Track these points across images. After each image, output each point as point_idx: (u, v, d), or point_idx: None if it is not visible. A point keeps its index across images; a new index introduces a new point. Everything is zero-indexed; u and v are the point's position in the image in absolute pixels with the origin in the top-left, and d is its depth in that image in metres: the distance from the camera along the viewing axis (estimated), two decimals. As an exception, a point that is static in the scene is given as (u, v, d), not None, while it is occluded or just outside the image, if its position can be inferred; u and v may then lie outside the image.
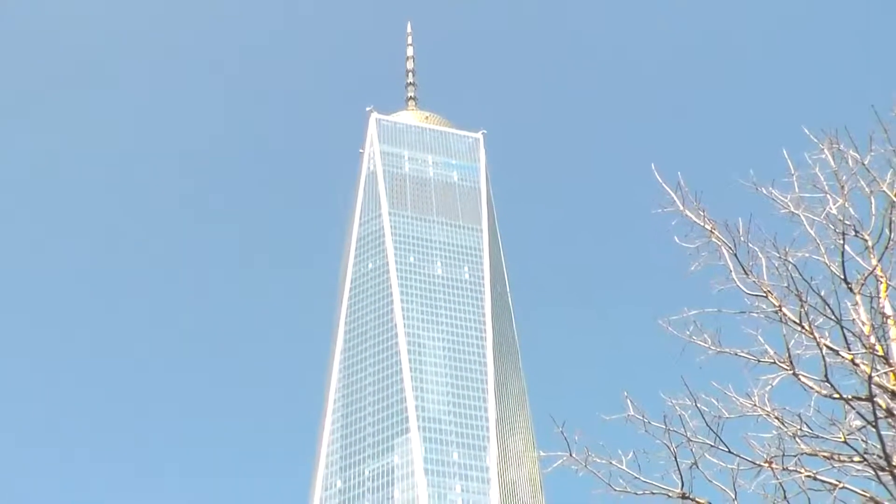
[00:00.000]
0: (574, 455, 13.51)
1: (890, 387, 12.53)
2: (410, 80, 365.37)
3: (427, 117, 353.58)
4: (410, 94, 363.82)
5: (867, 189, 14.17)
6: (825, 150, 14.47)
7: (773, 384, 13.32)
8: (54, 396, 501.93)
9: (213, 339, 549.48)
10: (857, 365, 12.79)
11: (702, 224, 14.30)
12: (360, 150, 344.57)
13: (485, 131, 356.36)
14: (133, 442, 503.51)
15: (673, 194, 14.65)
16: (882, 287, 13.55)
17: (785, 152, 14.91)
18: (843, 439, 12.61)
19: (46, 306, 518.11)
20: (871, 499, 12.44)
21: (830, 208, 14.13)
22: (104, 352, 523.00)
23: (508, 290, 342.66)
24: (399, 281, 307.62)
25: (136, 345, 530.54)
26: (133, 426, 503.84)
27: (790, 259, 13.59)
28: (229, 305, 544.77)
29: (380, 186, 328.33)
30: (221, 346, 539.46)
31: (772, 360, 13.55)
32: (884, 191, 13.79)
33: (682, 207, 14.50)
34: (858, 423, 12.71)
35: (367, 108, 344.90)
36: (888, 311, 13.33)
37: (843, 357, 12.91)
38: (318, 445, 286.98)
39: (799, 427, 13.10)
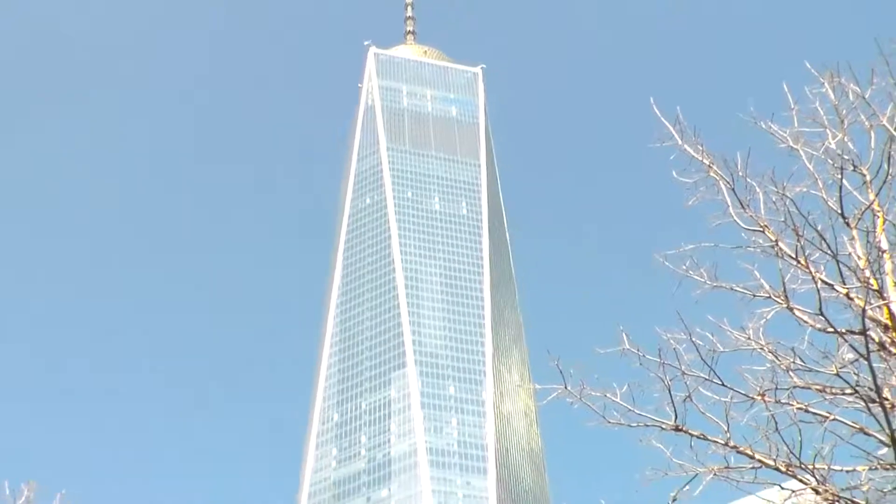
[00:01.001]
0: (569, 388, 13.58)
1: (883, 320, 12.59)
2: (409, 14, 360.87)
3: (426, 52, 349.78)
4: (409, 28, 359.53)
5: (867, 123, 14.07)
6: (826, 85, 14.33)
7: (768, 317, 13.38)
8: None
9: (211, 274, 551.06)
10: (851, 299, 12.83)
11: (700, 158, 14.23)
12: (359, 85, 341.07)
13: (483, 66, 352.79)
14: (130, 376, 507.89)
15: (671, 129, 14.55)
16: (879, 222, 13.53)
17: (785, 86, 14.77)
18: (835, 372, 12.69)
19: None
20: (861, 430, 12.58)
21: (829, 143, 14.04)
22: (100, 290, 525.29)
23: (506, 225, 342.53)
24: (397, 216, 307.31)
25: (133, 280, 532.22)
26: (130, 362, 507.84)
27: (788, 194, 13.54)
28: (228, 242, 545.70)
29: (378, 121, 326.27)
30: (219, 282, 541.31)
31: (767, 295, 13.59)
32: (884, 125, 13.70)
33: (680, 142, 14.42)
34: (851, 356, 12.79)
35: (366, 43, 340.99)
36: (884, 245, 13.33)
37: (837, 291, 12.95)
38: (316, 379, 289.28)
39: (792, 360, 13.18)
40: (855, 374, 12.65)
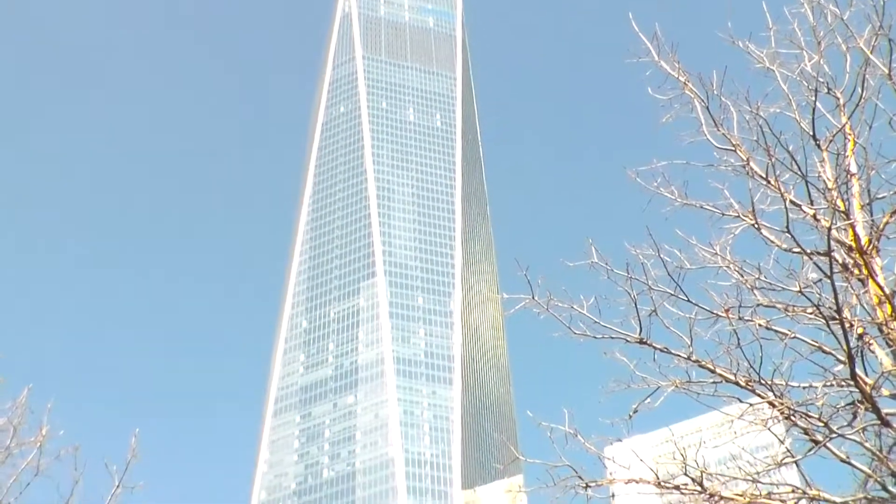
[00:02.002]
0: (536, 298, 13.72)
1: (847, 242, 12.79)
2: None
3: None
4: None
5: (843, 46, 14.08)
6: (805, 4, 14.30)
7: (735, 233, 13.54)
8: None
9: (180, 179, 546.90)
10: (818, 220, 13.01)
11: (675, 76, 14.21)
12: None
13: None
14: (114, 279, 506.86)
15: (649, 44, 14.50)
16: (850, 145, 13.65)
17: (764, 5, 14.73)
18: (798, 289, 12.90)
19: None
20: (819, 348, 12.87)
21: (805, 65, 14.05)
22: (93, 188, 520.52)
23: (480, 138, 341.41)
24: (370, 126, 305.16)
25: (125, 183, 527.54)
26: (117, 250, 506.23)
27: (761, 114, 13.58)
28: (198, 145, 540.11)
29: (354, 29, 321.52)
30: (189, 187, 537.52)
31: (736, 214, 13.73)
32: (860, 48, 13.70)
33: (656, 58, 14.37)
34: (815, 276, 13.02)
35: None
36: (853, 168, 13.48)
37: (805, 212, 13.11)
38: (285, 286, 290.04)
39: (757, 277, 13.38)
40: (817, 293, 12.88)
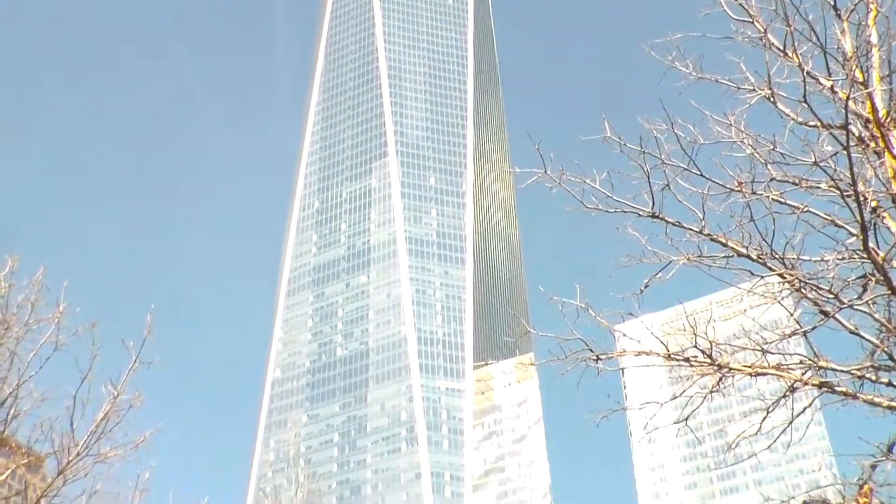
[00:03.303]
0: (549, 172, 13.66)
1: (865, 114, 12.61)
2: None
3: None
4: None
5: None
6: None
7: (751, 103, 13.33)
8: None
9: (192, 59, 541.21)
10: (835, 92, 12.78)
11: (693, -56, 13.82)
12: None
13: None
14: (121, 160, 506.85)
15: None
16: (871, 14, 13.31)
17: None
18: (813, 161, 12.78)
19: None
20: (832, 221, 12.83)
21: (827, -69, 13.59)
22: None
23: (491, 13, 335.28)
24: (381, 2, 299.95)
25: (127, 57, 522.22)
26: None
27: (780, -17, 13.20)
28: (204, 28, 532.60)
29: None
30: (199, 67, 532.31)
31: (751, 87, 13.50)
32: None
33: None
34: (830, 148, 12.89)
35: None
36: (874, 38, 13.17)
37: (822, 84, 12.88)
38: (297, 166, 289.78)
39: (772, 148, 13.25)
40: (832, 166, 12.77)
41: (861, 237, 11.43)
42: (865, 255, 11.62)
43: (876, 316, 12.10)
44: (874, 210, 12.22)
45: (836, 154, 12.74)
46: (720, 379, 13.01)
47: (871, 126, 12.45)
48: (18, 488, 18.58)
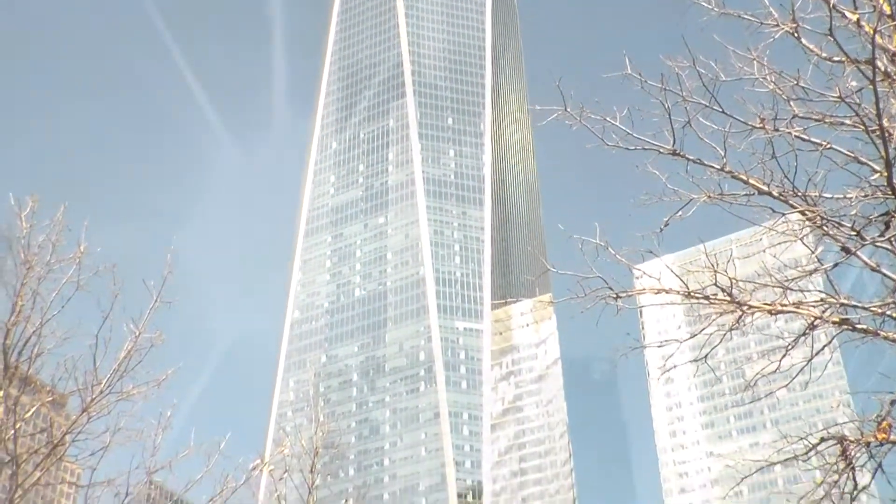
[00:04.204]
0: (569, 110, 13.53)
1: (892, 48, 12.39)
2: None
3: None
4: None
5: None
6: None
7: (775, 38, 13.10)
8: None
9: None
10: (860, 27, 12.54)
11: None
12: None
13: None
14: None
15: None
16: (899, -56, 13.01)
17: None
18: (838, 96, 12.58)
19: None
20: (855, 158, 12.68)
21: None
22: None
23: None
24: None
25: None
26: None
27: (806, -84, 12.92)
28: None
29: None
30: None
31: (775, 23, 13.26)
32: None
33: None
34: (855, 84, 12.69)
35: None
36: (902, -31, 12.89)
37: (848, 18, 12.64)
38: (315, 106, 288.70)
39: (795, 83, 13.05)
40: (857, 101, 12.57)
41: (885, 174, 11.31)
42: (889, 192, 11.50)
43: (898, 253, 12.03)
44: (899, 146, 12.06)
45: (861, 90, 12.56)
46: (740, 317, 12.98)
47: (897, 60, 12.27)
48: (43, 426, 18.84)
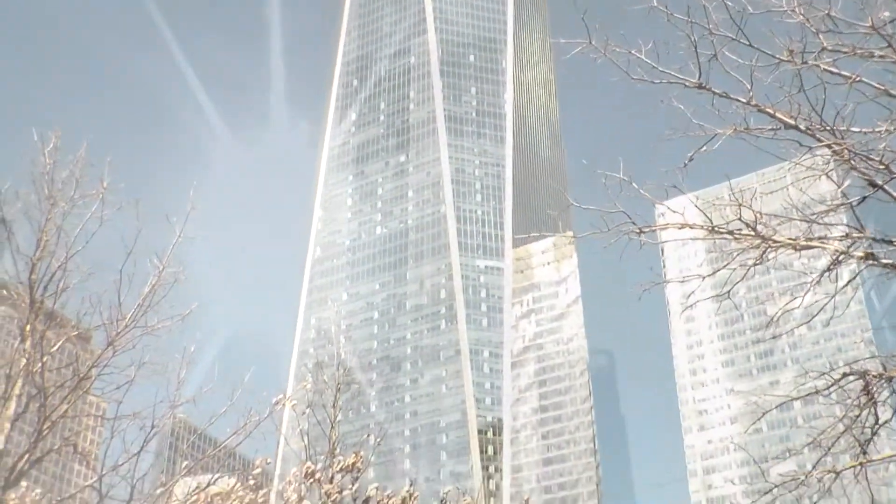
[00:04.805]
0: (594, 43, 13.35)
1: (926, -24, 12.13)
2: None
3: None
4: None
5: None
6: None
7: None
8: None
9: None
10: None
11: None
12: None
13: None
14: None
15: None
16: None
17: None
18: (870, 25, 12.32)
19: None
20: (886, 91, 12.46)
21: None
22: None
23: None
24: None
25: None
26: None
27: None
28: None
29: None
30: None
31: (806, -47, 12.98)
32: None
33: None
34: (888, 14, 12.43)
35: None
36: None
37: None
38: (335, 45, 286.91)
39: (826, 13, 12.77)
40: (889, 33, 12.31)
41: (917, 106, 11.14)
42: (920, 125, 11.35)
43: (927, 187, 11.87)
44: (932, 77, 11.86)
45: (894, 20, 12.29)
46: (764, 252, 12.89)
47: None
48: (69, 360, 19.08)
